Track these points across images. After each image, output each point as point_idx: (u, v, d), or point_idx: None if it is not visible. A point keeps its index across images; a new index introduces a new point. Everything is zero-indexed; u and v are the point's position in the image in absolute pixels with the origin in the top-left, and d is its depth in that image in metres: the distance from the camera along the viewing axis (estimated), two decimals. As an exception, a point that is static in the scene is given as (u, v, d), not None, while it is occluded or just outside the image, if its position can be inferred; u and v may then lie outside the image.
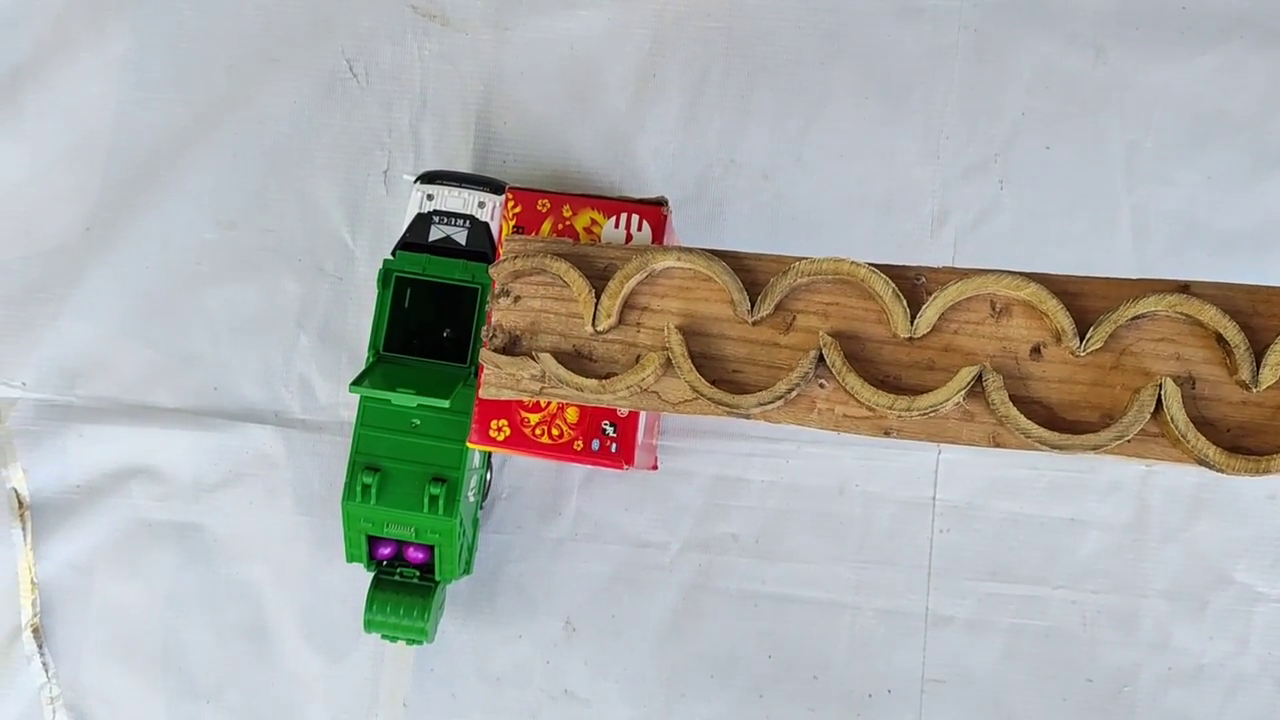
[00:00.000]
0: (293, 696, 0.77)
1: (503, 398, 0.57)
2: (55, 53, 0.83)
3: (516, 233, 0.62)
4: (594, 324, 0.55)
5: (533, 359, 0.55)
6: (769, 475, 0.77)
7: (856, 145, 0.80)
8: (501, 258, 0.57)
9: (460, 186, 0.72)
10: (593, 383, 0.55)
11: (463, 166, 0.80)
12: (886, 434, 0.54)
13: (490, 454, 0.75)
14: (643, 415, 0.64)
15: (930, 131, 0.79)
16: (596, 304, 0.55)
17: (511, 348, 0.57)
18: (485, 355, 0.56)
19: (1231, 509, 0.76)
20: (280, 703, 0.78)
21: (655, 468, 0.76)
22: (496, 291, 0.57)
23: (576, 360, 0.56)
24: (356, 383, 0.63)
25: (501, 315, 0.57)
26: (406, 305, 0.71)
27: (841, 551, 0.77)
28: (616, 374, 0.55)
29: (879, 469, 0.77)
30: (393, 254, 0.71)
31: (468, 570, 0.74)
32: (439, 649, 0.77)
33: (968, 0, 0.80)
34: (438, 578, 0.70)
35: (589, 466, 0.70)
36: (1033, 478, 0.76)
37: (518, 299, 0.57)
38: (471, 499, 0.71)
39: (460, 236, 0.71)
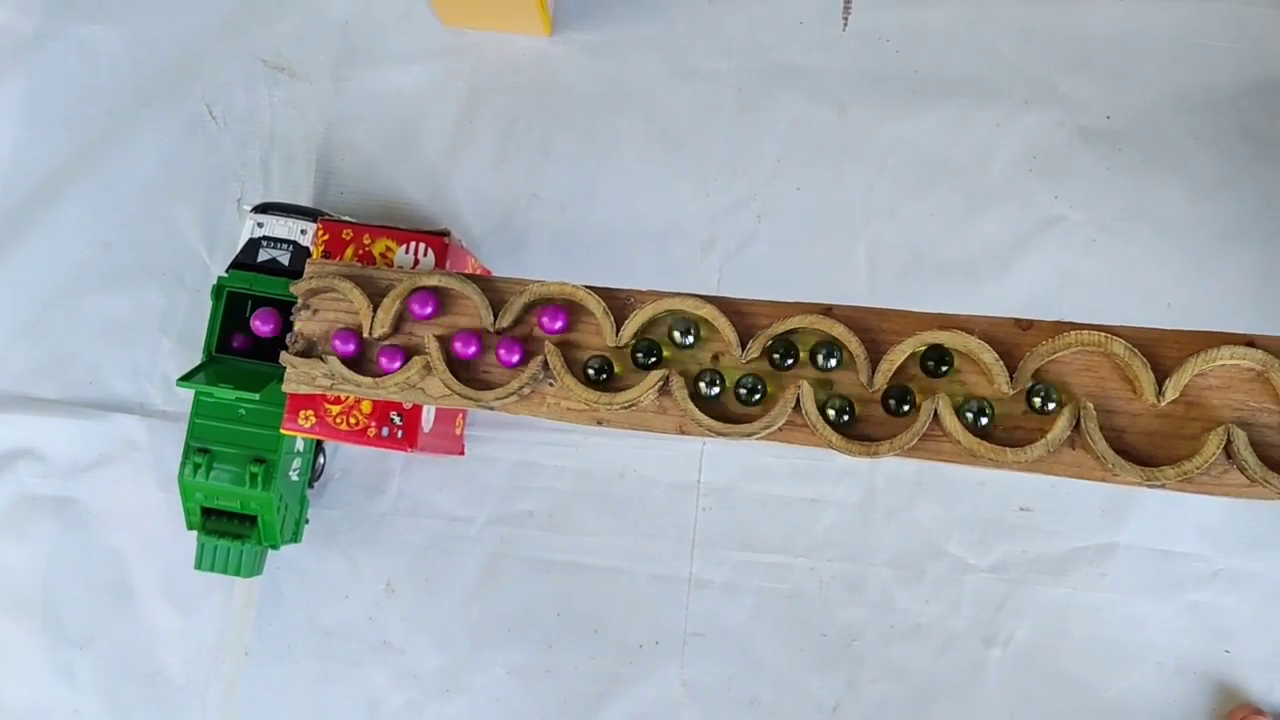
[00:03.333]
0: (152, 644, 0.86)
1: (301, 392, 0.67)
2: (-44, 97, 0.91)
3: (325, 257, 0.73)
4: (370, 332, 0.67)
5: (323, 360, 0.66)
6: (561, 461, 0.86)
7: (640, 184, 0.88)
8: (303, 278, 0.68)
9: (287, 216, 0.79)
10: (369, 380, 0.65)
11: (305, 198, 0.88)
12: (600, 423, 0.64)
13: (321, 441, 0.84)
14: (428, 408, 0.75)
15: (702, 173, 0.88)
16: (374, 316, 0.66)
17: (309, 351, 0.67)
18: (285, 358, 0.66)
19: (947, 493, 0.84)
20: (142, 649, 0.86)
21: (463, 453, 0.86)
22: (299, 305, 0.67)
23: (360, 362, 0.67)
24: (185, 379, 0.72)
25: (302, 325, 0.67)
26: (248, 315, 0.79)
27: (620, 526, 0.85)
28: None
29: (653, 457, 0.85)
30: (226, 272, 0.79)
31: (296, 538, 0.83)
32: (276, 606, 0.85)
33: (734, 65, 0.89)
34: (262, 541, 0.79)
35: (406, 453, 0.79)
36: (780, 465, 0.84)
37: (315, 311, 0.67)
38: (295, 478, 0.80)
39: (284, 258, 0.79)
